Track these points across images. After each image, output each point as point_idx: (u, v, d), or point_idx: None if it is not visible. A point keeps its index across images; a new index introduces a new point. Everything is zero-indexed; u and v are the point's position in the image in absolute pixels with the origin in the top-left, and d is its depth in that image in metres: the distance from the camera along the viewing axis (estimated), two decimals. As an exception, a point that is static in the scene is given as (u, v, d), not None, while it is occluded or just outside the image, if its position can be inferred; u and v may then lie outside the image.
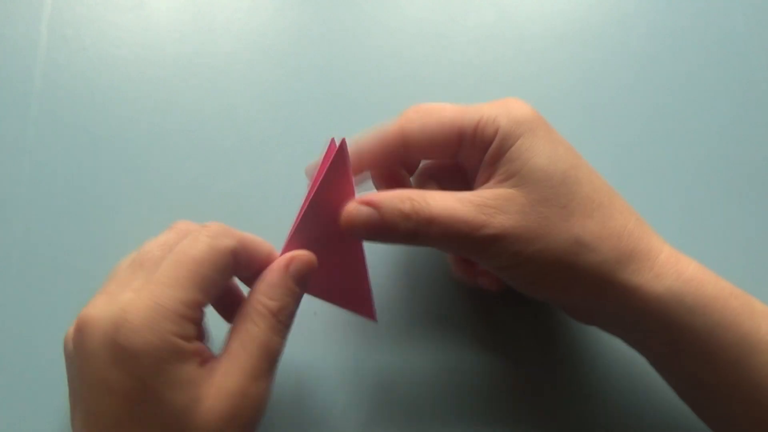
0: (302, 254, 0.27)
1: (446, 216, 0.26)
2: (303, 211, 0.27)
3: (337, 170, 0.26)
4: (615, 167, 0.35)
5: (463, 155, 0.28)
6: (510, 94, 0.39)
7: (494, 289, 0.31)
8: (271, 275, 0.26)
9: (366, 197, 0.27)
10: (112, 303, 0.23)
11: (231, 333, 0.25)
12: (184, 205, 0.35)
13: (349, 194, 0.27)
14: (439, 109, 0.28)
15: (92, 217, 0.35)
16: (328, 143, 0.28)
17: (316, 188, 0.26)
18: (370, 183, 0.31)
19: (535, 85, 0.39)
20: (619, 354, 0.32)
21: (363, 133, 0.29)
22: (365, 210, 0.26)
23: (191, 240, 0.25)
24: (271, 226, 0.35)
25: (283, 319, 0.25)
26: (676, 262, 0.26)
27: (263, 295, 0.25)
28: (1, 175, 0.36)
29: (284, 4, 0.41)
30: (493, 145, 0.27)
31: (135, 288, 0.24)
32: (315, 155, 0.37)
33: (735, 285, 0.27)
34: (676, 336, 0.26)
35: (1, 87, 0.38)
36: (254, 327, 0.25)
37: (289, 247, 0.27)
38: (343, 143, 0.26)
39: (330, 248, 0.27)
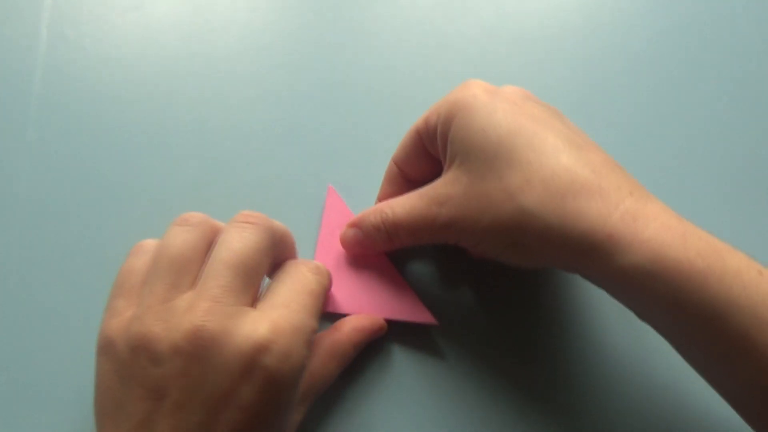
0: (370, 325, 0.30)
1: (407, 217, 0.29)
2: (317, 249, 0.33)
3: (333, 210, 0.33)
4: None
5: (430, 150, 0.30)
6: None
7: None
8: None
9: (353, 219, 0.31)
10: (233, 320, 0.23)
11: None
12: (184, 205, 0.35)
13: (348, 216, 0.33)
14: (413, 125, 0.31)
15: (92, 217, 0.35)
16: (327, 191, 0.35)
17: (320, 231, 0.33)
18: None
19: (536, 85, 0.39)
20: (625, 350, 0.32)
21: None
22: (350, 231, 0.31)
23: (303, 275, 0.27)
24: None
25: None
26: (632, 221, 0.24)
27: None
28: (1, 175, 0.36)
29: (284, 5, 0.41)
30: (437, 133, 0.28)
31: (230, 305, 0.24)
32: (315, 155, 0.37)
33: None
34: (643, 302, 0.25)
35: (1, 87, 0.38)
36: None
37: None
38: (330, 190, 0.35)
39: (360, 268, 0.32)
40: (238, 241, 0.25)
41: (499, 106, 0.27)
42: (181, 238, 0.26)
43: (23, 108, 0.37)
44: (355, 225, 0.31)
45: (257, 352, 0.23)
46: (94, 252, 0.34)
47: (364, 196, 0.35)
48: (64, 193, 0.35)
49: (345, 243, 0.32)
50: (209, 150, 0.37)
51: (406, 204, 0.29)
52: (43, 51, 0.39)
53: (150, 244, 0.28)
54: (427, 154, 0.30)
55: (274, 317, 0.24)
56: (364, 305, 0.31)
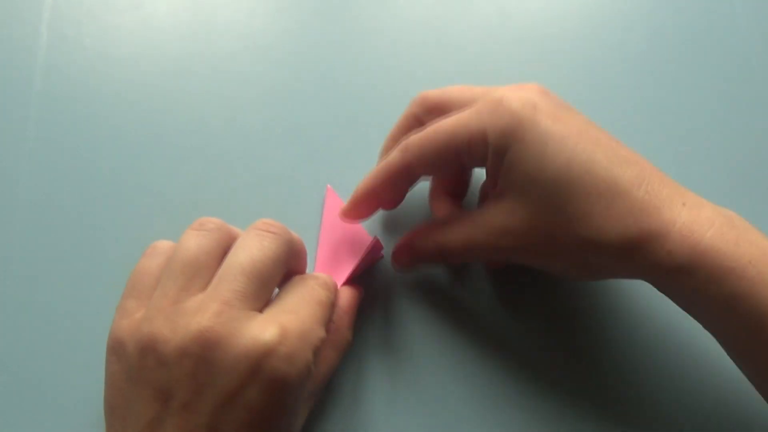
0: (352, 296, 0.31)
1: (463, 247, 0.29)
2: (320, 241, 0.34)
3: (332, 210, 0.34)
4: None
5: (469, 167, 0.30)
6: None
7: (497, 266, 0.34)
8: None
9: (400, 244, 0.32)
10: (242, 323, 0.24)
11: None
12: (185, 205, 0.35)
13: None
14: (434, 132, 0.29)
15: (93, 217, 0.35)
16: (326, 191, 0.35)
17: (321, 232, 0.34)
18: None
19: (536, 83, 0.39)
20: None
21: (371, 170, 0.31)
22: (406, 259, 0.32)
23: (312, 287, 0.27)
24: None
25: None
26: (689, 234, 0.25)
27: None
28: (1, 175, 0.36)
29: (284, 5, 0.41)
30: (488, 163, 0.28)
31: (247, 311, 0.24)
32: (315, 155, 0.37)
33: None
34: (697, 306, 0.27)
35: (1, 87, 0.38)
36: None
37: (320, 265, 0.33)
38: (328, 190, 0.35)
39: (342, 244, 0.33)
40: (257, 248, 0.25)
41: (547, 133, 0.27)
42: (196, 241, 0.26)
43: (23, 108, 0.37)
44: (406, 252, 0.32)
45: (264, 354, 0.23)
46: (95, 251, 0.34)
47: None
48: (65, 193, 0.35)
49: (399, 265, 0.33)
50: (209, 150, 0.37)
51: (460, 233, 0.29)
52: (43, 51, 0.39)
53: (164, 245, 0.28)
54: (458, 162, 0.30)
55: (283, 321, 0.24)
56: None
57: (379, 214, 0.35)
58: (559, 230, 0.27)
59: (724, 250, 0.25)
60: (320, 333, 0.25)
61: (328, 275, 0.29)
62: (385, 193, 0.31)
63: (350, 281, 0.31)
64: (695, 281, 0.25)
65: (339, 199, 0.35)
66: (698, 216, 0.26)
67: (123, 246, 0.34)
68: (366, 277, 0.33)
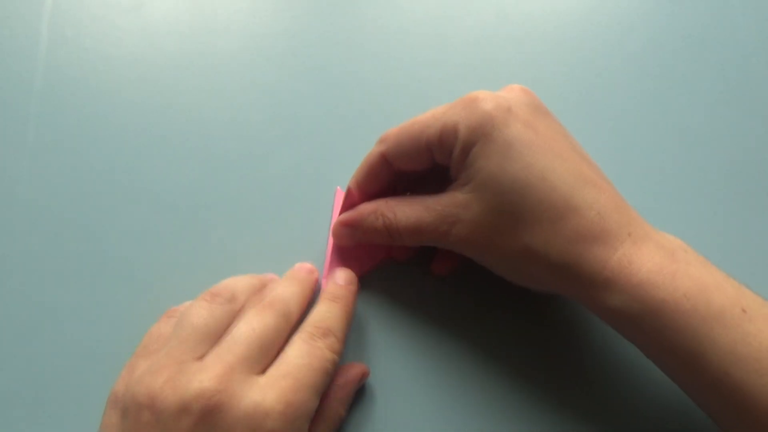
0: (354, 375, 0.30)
1: (412, 227, 0.29)
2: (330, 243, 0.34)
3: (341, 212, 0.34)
4: (614, 167, 0.35)
5: (437, 160, 0.30)
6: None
7: (444, 274, 0.33)
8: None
9: (344, 217, 0.32)
10: (243, 386, 0.24)
11: None
12: (184, 205, 0.35)
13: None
14: (410, 124, 0.30)
15: (92, 217, 0.35)
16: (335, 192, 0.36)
17: (331, 234, 0.33)
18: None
19: (535, 85, 0.39)
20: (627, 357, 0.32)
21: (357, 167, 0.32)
22: (345, 230, 0.32)
23: (320, 350, 0.27)
24: (271, 225, 0.35)
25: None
26: (628, 264, 0.25)
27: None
28: (1, 175, 0.36)
29: (284, 5, 0.41)
30: (455, 153, 0.28)
31: (245, 375, 0.25)
32: (315, 156, 0.37)
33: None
34: (633, 338, 0.27)
35: (1, 87, 0.38)
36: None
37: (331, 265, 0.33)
38: (338, 191, 0.35)
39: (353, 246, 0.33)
40: (257, 322, 0.27)
41: (515, 136, 0.27)
42: (207, 310, 0.27)
43: (23, 108, 0.37)
44: (350, 225, 0.31)
45: (263, 420, 0.24)
46: (95, 252, 0.34)
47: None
48: (65, 193, 0.35)
49: (338, 239, 0.32)
50: (211, 151, 0.37)
51: (411, 214, 0.30)
52: (43, 51, 0.39)
53: (180, 310, 0.29)
54: (429, 155, 0.30)
55: (283, 387, 0.25)
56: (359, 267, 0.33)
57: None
58: (506, 231, 0.27)
59: (658, 283, 0.25)
60: (315, 404, 0.26)
61: (341, 328, 0.29)
62: (368, 186, 0.32)
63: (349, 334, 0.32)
64: (629, 313, 0.25)
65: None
66: (639, 249, 0.26)
67: (123, 246, 0.34)
68: (367, 276, 0.33)
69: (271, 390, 0.24)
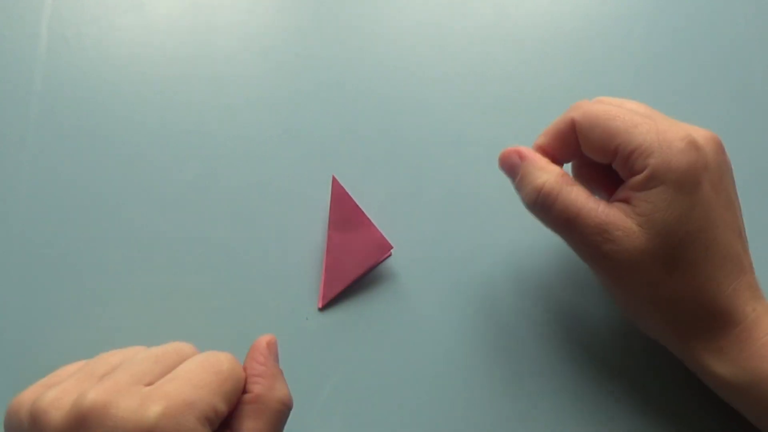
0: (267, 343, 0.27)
1: (569, 211, 0.29)
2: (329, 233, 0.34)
3: (338, 199, 0.34)
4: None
5: (613, 163, 0.30)
6: (510, 93, 0.39)
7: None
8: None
9: (526, 153, 0.31)
10: (127, 392, 0.23)
11: None
12: (184, 205, 0.35)
13: (354, 209, 0.34)
14: (608, 119, 0.29)
15: (92, 217, 0.35)
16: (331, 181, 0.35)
17: (329, 222, 0.34)
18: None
19: (535, 85, 0.39)
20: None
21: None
22: (513, 159, 0.31)
23: (216, 357, 0.25)
24: (270, 225, 0.35)
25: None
26: (747, 337, 0.28)
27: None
28: (1, 175, 0.36)
29: (284, 5, 0.41)
30: (638, 179, 0.28)
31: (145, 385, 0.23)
32: (315, 155, 0.37)
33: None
34: (738, 406, 0.29)
35: (1, 87, 0.38)
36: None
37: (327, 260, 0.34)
38: (333, 180, 0.35)
39: (352, 240, 0.34)
40: (160, 349, 0.25)
41: (701, 198, 0.28)
42: (141, 355, 0.25)
43: (23, 108, 0.37)
44: (523, 158, 0.31)
45: (141, 419, 0.22)
46: (94, 252, 0.34)
47: (366, 196, 0.35)
48: (65, 193, 0.35)
49: (501, 157, 0.31)
50: (210, 150, 0.37)
51: (577, 201, 0.29)
52: (43, 52, 0.39)
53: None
54: (613, 157, 0.30)
55: (169, 390, 0.23)
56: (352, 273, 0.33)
57: (389, 210, 0.35)
58: (649, 277, 0.28)
59: None
60: (212, 401, 0.23)
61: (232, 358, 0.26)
62: (551, 144, 0.31)
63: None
64: (735, 383, 0.28)
65: (344, 189, 0.35)
66: (758, 326, 0.28)
67: (123, 246, 0.34)
68: (369, 276, 0.33)
69: (154, 393, 0.23)
